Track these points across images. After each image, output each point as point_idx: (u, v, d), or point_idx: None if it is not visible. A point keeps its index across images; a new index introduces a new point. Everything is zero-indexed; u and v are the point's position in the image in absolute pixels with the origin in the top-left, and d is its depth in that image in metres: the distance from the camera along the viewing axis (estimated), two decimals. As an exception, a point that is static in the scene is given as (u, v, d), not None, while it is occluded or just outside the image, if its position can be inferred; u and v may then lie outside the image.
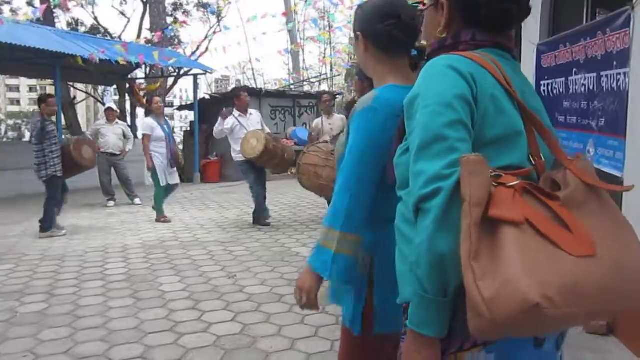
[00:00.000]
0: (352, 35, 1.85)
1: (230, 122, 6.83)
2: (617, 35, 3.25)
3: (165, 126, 7.34)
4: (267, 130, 7.03)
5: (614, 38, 3.30)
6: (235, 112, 6.90)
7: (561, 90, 4.15)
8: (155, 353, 3.14)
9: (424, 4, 1.33)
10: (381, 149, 1.51)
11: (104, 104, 19.60)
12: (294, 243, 5.96)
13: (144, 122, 7.69)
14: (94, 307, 3.94)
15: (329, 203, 5.98)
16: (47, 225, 6.45)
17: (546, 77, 4.44)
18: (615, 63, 3.31)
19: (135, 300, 4.08)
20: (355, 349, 1.68)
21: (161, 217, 7.36)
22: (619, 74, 3.25)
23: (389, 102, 1.53)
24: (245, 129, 6.71)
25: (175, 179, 7.47)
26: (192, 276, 4.71)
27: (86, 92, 21.63)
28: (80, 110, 29.59)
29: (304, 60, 22.26)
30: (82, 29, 18.06)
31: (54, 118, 6.99)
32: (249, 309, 3.85)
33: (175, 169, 7.42)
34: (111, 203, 9.05)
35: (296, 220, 7.34)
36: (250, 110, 7.06)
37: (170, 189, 7.44)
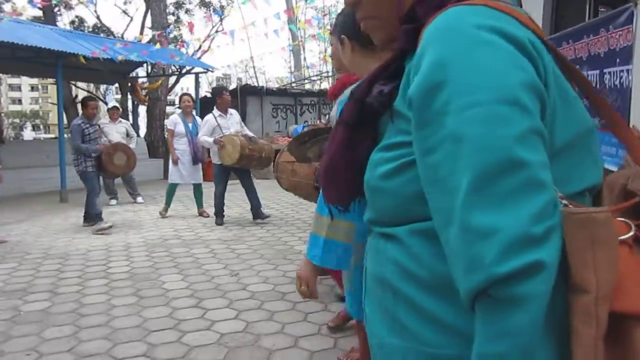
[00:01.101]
0: (336, 42, 1.87)
1: (211, 123, 6.83)
2: (620, 32, 3.25)
3: (190, 124, 7.46)
4: (246, 131, 7.07)
5: (616, 35, 3.30)
6: (216, 112, 6.90)
7: (564, 87, 4.15)
8: (158, 351, 3.14)
9: None
10: None
11: (106, 103, 19.62)
12: (297, 241, 5.96)
13: (170, 118, 7.90)
14: (97, 306, 3.95)
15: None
16: (91, 217, 6.77)
17: (548, 74, 4.44)
18: (618, 60, 3.31)
19: (138, 299, 4.09)
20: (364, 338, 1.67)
21: (162, 211, 7.68)
22: (622, 70, 3.25)
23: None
24: (223, 131, 6.74)
25: (196, 178, 7.61)
26: (195, 274, 4.72)
27: (88, 91, 21.63)
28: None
29: (305, 58, 22.28)
30: (84, 28, 18.06)
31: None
32: (252, 307, 3.86)
33: (199, 166, 7.61)
34: (114, 202, 9.06)
35: (299, 218, 7.35)
36: (230, 110, 7.07)
37: (197, 188, 7.72)
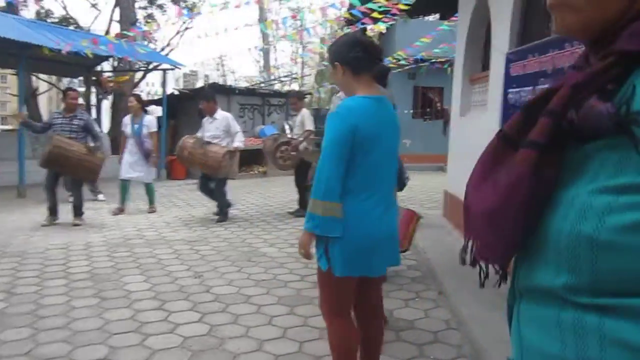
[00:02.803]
0: (327, 59, 2.59)
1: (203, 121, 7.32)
2: (584, 47, 3.36)
3: (136, 125, 7.57)
4: (231, 140, 7.12)
5: (580, 50, 3.41)
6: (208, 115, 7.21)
7: (529, 99, 4.26)
8: (120, 354, 3.09)
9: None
10: (344, 139, 2.15)
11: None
12: (262, 243, 5.94)
13: (123, 120, 7.95)
14: (56, 307, 3.84)
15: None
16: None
17: (514, 85, 4.55)
18: (580, 75, 3.42)
19: (100, 300, 4.00)
20: (323, 279, 2.35)
21: (115, 210, 7.74)
22: (583, 86, 3.36)
23: (348, 108, 2.21)
24: (204, 132, 7.16)
25: (131, 173, 7.63)
26: (158, 275, 4.65)
27: (49, 83, 21.02)
28: (42, 101, 28.76)
29: (275, 58, 22.28)
30: (51, 19, 17.51)
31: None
32: (216, 310, 3.83)
33: (144, 164, 7.63)
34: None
35: (264, 220, 7.32)
36: (217, 115, 7.15)
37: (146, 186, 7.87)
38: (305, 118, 7.43)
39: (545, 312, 0.67)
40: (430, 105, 15.49)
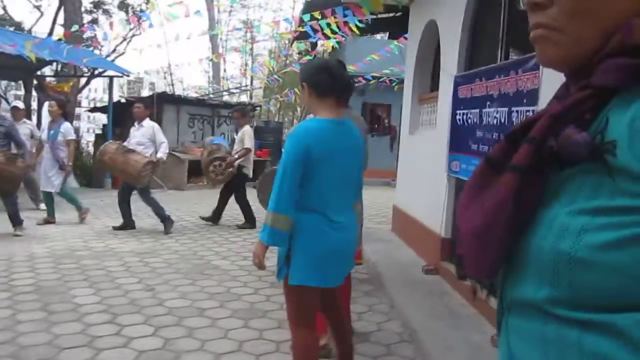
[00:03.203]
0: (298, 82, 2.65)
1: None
2: (528, 75, 3.60)
3: (52, 131, 7.30)
4: (160, 141, 7.09)
5: (524, 78, 3.65)
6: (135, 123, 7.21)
7: (475, 121, 4.49)
8: (72, 370, 3.03)
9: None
10: (298, 159, 2.34)
11: (7, 100, 18.30)
12: (213, 255, 5.91)
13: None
14: (0, 321, 3.70)
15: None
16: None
17: (462, 107, 4.78)
18: (525, 100, 3.66)
19: (47, 314, 3.88)
20: (286, 292, 2.52)
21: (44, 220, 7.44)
22: (528, 110, 3.59)
23: (304, 129, 2.45)
24: (129, 139, 7.18)
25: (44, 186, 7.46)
26: (108, 288, 4.55)
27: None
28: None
29: (225, 70, 22.15)
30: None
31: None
32: (170, 323, 3.80)
33: (54, 172, 7.32)
34: (42, 205, 8.47)
35: (214, 232, 7.27)
36: (144, 123, 7.12)
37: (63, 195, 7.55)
38: (245, 135, 7.60)
39: (530, 326, 0.73)
40: (378, 121, 15.84)
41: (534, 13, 0.75)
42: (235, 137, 13.48)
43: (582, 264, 0.64)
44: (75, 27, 9.45)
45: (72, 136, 7.53)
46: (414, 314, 3.98)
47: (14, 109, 8.58)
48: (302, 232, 2.38)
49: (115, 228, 7.25)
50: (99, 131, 14.56)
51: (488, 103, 4.25)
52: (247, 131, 7.62)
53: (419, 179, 6.11)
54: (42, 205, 8.58)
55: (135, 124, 7.16)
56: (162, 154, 7.08)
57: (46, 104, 9.21)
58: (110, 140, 7.33)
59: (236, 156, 7.42)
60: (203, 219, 7.85)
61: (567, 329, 0.67)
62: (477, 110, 4.44)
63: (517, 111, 3.76)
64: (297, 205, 2.36)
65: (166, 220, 7.18)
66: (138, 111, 7.14)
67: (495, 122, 4.10)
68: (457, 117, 4.87)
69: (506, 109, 3.92)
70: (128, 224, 7.36)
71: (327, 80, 2.46)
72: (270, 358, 3.28)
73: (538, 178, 0.72)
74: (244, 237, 6.99)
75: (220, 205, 7.75)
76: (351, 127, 2.54)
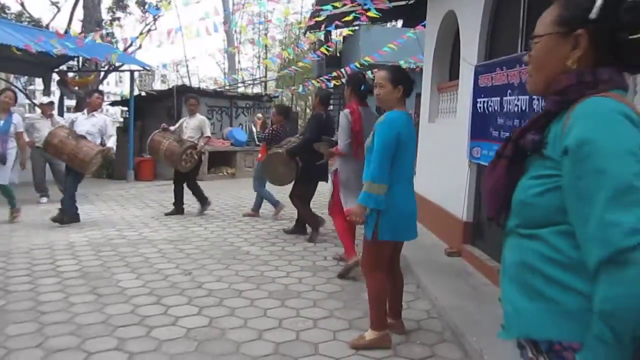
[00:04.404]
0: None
1: (74, 116, 7.50)
2: (548, 65, 3.77)
3: (1, 122, 6.89)
4: (109, 134, 7.21)
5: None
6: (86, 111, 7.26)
7: (496, 108, 4.66)
8: (129, 345, 3.28)
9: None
10: (390, 143, 3.12)
11: (26, 94, 18.65)
12: (243, 242, 6.16)
13: None
14: (55, 303, 3.98)
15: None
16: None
17: (482, 96, 4.95)
18: (545, 89, 3.83)
19: (97, 296, 4.16)
20: (367, 247, 3.27)
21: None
22: (548, 98, 3.76)
23: (397, 119, 3.21)
24: (76, 126, 7.04)
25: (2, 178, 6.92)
26: (148, 273, 4.82)
27: (6, 81, 20.42)
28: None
29: (239, 61, 22.32)
30: (7, 15, 17.07)
31: None
32: (212, 304, 4.05)
33: (4, 166, 6.90)
34: (44, 199, 8.79)
35: (240, 220, 7.52)
36: (95, 114, 7.18)
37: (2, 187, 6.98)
38: (204, 123, 7.88)
39: (511, 241, 1.33)
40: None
41: (527, 65, 1.37)
42: (252, 126, 13.70)
43: (526, 204, 1.26)
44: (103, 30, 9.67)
45: (22, 128, 7.30)
46: (440, 293, 4.20)
47: (46, 104, 8.83)
48: (393, 198, 3.14)
49: (166, 214, 7.77)
50: (119, 125, 14.84)
51: (509, 91, 4.42)
52: (204, 120, 8.03)
53: (439, 166, 6.29)
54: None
55: (83, 113, 7.27)
56: (112, 144, 7.20)
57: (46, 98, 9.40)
58: (60, 126, 7.19)
59: (202, 143, 7.73)
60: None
61: (522, 239, 1.28)
62: (498, 99, 4.62)
63: (537, 99, 3.92)
64: (389, 177, 3.13)
65: (67, 213, 6.94)
66: (95, 101, 7.18)
67: (516, 109, 4.28)
68: (478, 105, 5.04)
69: (527, 97, 4.10)
70: (178, 210, 7.81)
71: (411, 84, 3.32)
72: (310, 333, 3.52)
73: (520, 161, 1.31)
74: (270, 224, 7.23)
75: (179, 196, 7.95)
76: (411, 118, 3.38)
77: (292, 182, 6.39)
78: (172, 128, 7.94)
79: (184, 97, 8.75)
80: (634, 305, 1.01)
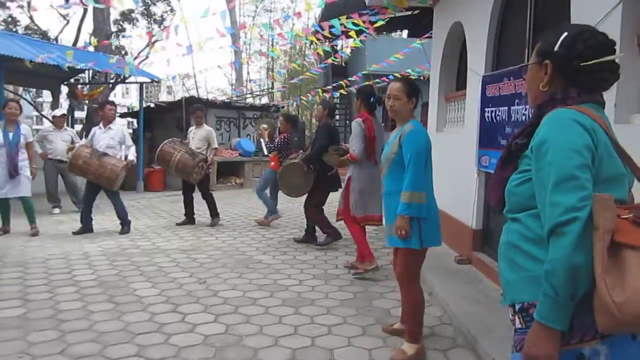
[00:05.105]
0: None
1: (93, 130, 7.36)
2: (555, 75, 3.85)
3: (11, 134, 6.84)
4: (125, 150, 7.27)
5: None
6: (101, 125, 7.29)
7: (504, 117, 4.75)
8: (149, 351, 3.36)
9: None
10: (424, 151, 3.25)
11: (35, 106, 18.90)
12: (255, 251, 6.25)
13: None
14: (75, 312, 4.07)
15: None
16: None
17: (490, 105, 5.04)
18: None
19: (115, 305, 4.25)
20: (411, 257, 3.32)
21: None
22: (556, 108, 3.85)
23: (420, 127, 3.37)
24: (93, 141, 7.12)
25: (14, 192, 6.90)
26: (164, 282, 4.90)
27: (15, 93, 20.68)
28: None
29: (248, 72, 22.55)
30: (17, 29, 17.33)
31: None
32: (228, 312, 4.13)
33: (18, 179, 6.86)
34: (57, 210, 8.93)
35: (251, 230, 7.61)
36: (112, 126, 7.23)
37: (24, 202, 7.02)
38: (211, 134, 7.99)
39: (505, 225, 1.63)
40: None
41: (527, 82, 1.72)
42: (261, 139, 13.82)
43: (511, 193, 1.58)
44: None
45: (31, 138, 7.28)
46: (452, 299, 4.26)
47: (59, 117, 8.95)
48: (430, 204, 3.26)
49: (178, 224, 7.98)
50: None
51: (517, 101, 4.51)
52: (210, 130, 8.16)
53: (448, 174, 6.36)
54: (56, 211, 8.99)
55: (100, 127, 7.24)
56: (133, 156, 7.32)
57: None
58: (81, 144, 7.18)
59: (211, 155, 7.85)
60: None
61: (509, 223, 1.60)
62: (506, 108, 4.70)
63: (545, 108, 4.01)
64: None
65: (126, 223, 7.30)
66: (108, 112, 7.21)
67: (524, 118, 4.36)
68: (486, 114, 5.12)
69: (535, 106, 4.18)
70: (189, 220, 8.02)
71: (420, 97, 3.49)
72: (325, 339, 3.59)
73: (514, 162, 1.60)
74: (280, 233, 7.32)
75: (189, 207, 8.10)
76: None
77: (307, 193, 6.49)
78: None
79: (190, 108, 8.88)
80: (567, 265, 1.31)
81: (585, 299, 1.33)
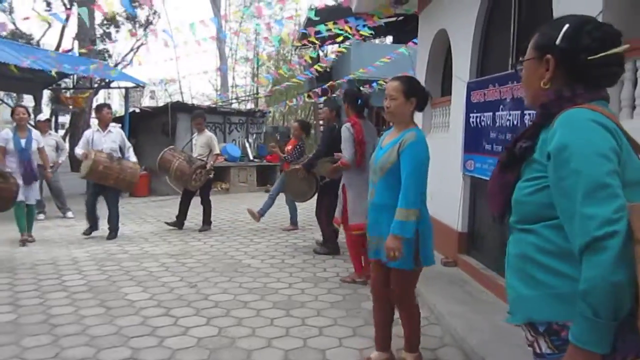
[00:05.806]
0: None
1: (86, 136, 7.20)
2: (538, 82, 3.98)
3: (23, 140, 6.74)
4: (128, 146, 7.31)
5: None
6: (94, 127, 7.24)
7: (489, 123, 4.88)
8: (143, 354, 3.40)
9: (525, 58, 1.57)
10: (426, 164, 2.97)
11: (29, 113, 18.66)
12: (243, 255, 6.29)
13: (1, 133, 6.84)
14: (67, 316, 4.09)
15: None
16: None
17: (475, 111, 5.17)
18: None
19: (106, 309, 4.27)
20: (408, 277, 3.08)
21: (21, 236, 6.77)
22: (539, 113, 3.97)
23: (423, 137, 3.01)
24: (94, 145, 6.98)
25: (30, 199, 6.84)
26: (154, 286, 4.93)
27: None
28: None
29: (233, 77, 22.56)
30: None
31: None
32: (220, 315, 4.18)
33: (32, 186, 6.85)
34: (41, 216, 8.84)
35: (239, 234, 7.65)
36: (110, 128, 7.22)
37: (28, 209, 6.87)
38: (212, 141, 8.04)
39: (513, 236, 1.51)
40: (383, 124, 16.24)
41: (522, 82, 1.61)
42: (246, 142, 13.89)
43: (521, 203, 1.45)
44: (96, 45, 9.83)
45: (43, 143, 7.28)
46: (439, 300, 4.36)
47: (43, 121, 8.92)
48: (426, 220, 3.00)
49: (167, 223, 8.05)
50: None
51: (501, 107, 4.64)
52: (212, 137, 8.19)
53: (434, 178, 6.41)
54: (69, 214, 8.99)
55: (98, 130, 7.21)
56: (134, 157, 7.34)
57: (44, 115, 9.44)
58: (95, 150, 6.86)
59: (211, 162, 7.89)
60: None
61: (520, 234, 1.47)
62: (491, 114, 4.83)
63: (529, 114, 4.14)
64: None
65: (114, 229, 7.27)
66: (103, 116, 7.18)
67: (508, 124, 4.49)
68: (471, 119, 5.25)
69: (519, 111, 4.31)
70: (178, 224, 7.98)
71: (426, 96, 3.11)
72: (317, 340, 3.66)
73: (516, 167, 1.49)
74: (268, 237, 7.37)
75: (184, 209, 8.09)
76: None
77: (315, 197, 6.51)
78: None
79: (191, 115, 8.87)
80: (607, 284, 1.19)
81: (627, 316, 1.23)
